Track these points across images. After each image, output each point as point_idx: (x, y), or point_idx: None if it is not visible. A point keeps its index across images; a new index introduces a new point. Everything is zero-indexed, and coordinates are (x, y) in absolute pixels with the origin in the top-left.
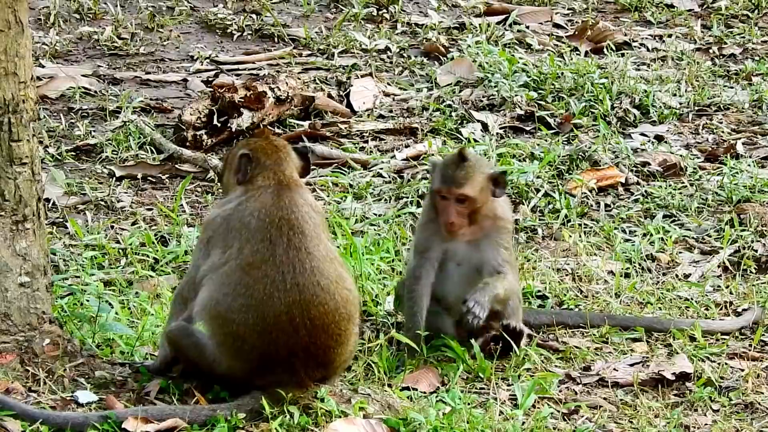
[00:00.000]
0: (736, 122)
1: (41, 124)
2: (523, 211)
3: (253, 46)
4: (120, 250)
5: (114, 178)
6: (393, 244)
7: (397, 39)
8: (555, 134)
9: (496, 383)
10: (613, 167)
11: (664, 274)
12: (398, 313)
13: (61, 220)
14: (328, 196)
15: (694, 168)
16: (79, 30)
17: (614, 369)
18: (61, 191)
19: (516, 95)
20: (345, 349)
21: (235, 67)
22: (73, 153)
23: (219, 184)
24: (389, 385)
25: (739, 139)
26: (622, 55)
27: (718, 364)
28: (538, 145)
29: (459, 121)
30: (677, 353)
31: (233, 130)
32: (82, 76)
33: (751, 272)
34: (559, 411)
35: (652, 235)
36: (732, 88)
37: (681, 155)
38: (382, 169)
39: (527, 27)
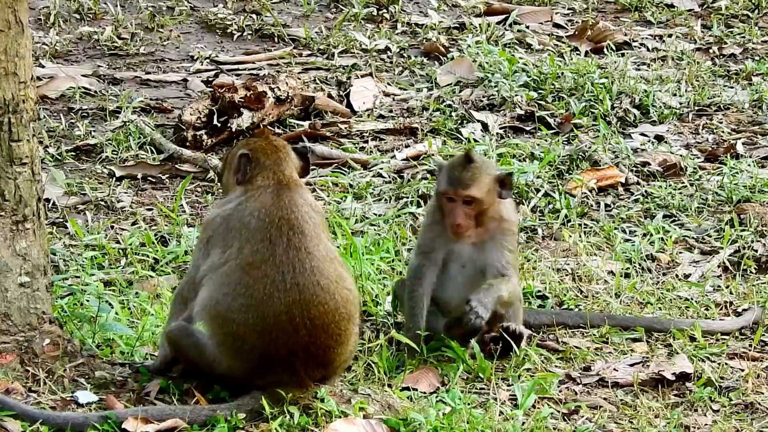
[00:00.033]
0: (736, 122)
1: (41, 124)
2: (523, 211)
3: (253, 46)
4: (120, 250)
5: (114, 178)
6: (393, 244)
7: (397, 39)
8: (555, 134)
9: (496, 383)
10: (613, 167)
11: (664, 274)
12: (397, 313)
13: (61, 220)
14: (328, 196)
15: (694, 168)
16: (79, 30)
17: (614, 369)
18: (61, 191)
19: (516, 95)
20: (345, 349)
21: (235, 67)
22: (73, 153)
23: (219, 184)
24: (389, 386)
25: (739, 139)
26: (623, 55)
27: (718, 364)
28: (538, 145)
29: (459, 121)
30: (677, 353)
31: (233, 130)
32: (82, 76)
33: (751, 272)
34: (559, 411)
35: (652, 235)
36: (732, 88)
37: (681, 155)
38: (382, 169)
39: (527, 27)
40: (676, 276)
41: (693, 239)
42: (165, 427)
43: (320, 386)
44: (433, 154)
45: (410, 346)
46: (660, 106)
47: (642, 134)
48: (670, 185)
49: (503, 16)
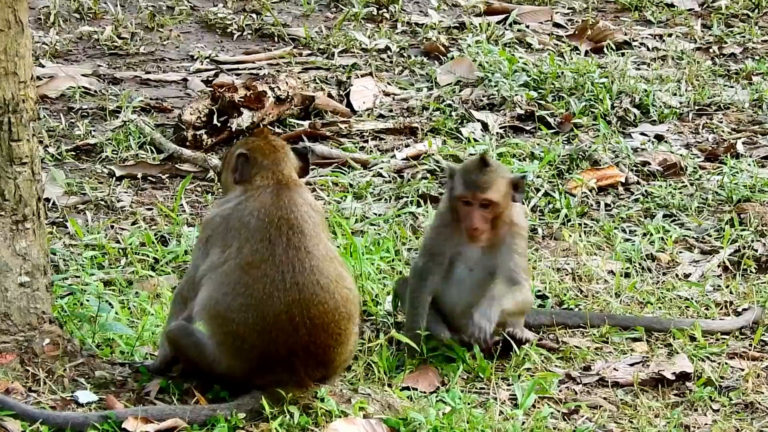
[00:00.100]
0: (737, 122)
1: (41, 124)
2: (524, 211)
3: (253, 45)
4: (120, 250)
5: (114, 178)
6: (393, 244)
7: (397, 38)
8: (555, 134)
9: (496, 383)
10: (613, 167)
11: (664, 274)
12: (397, 312)
13: (61, 219)
14: (328, 196)
15: (694, 167)
16: (79, 30)
17: (614, 369)
18: (61, 191)
19: (516, 95)
20: (345, 348)
21: (235, 66)
22: (73, 153)
23: (218, 183)
24: (389, 385)
25: (740, 138)
26: (623, 54)
27: (718, 363)
28: (538, 144)
29: (459, 121)
30: (677, 353)
31: (233, 129)
32: (82, 75)
33: (751, 272)
34: (559, 411)
35: (652, 234)
36: (732, 87)
37: (681, 155)
38: (382, 168)
39: (527, 26)
40: (676, 276)
41: (693, 239)
42: (165, 426)
43: (320, 386)
44: (432, 154)
45: (410, 346)
46: (660, 106)
47: (642, 134)
48: (670, 185)
49: (503, 16)
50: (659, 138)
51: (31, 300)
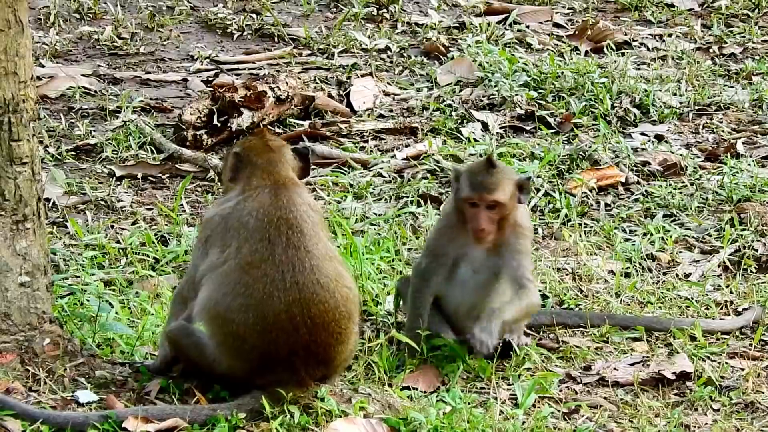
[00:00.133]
0: (737, 121)
1: (41, 124)
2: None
3: (253, 45)
4: (120, 250)
5: (114, 178)
6: (393, 244)
7: (397, 38)
8: (555, 134)
9: (497, 383)
10: (614, 167)
11: (664, 274)
12: (398, 311)
13: (62, 219)
14: (328, 196)
15: (695, 167)
16: (79, 30)
17: (614, 368)
18: (61, 191)
19: (516, 95)
20: (345, 347)
21: (235, 66)
22: (73, 153)
23: (220, 183)
24: (389, 385)
25: (740, 138)
26: (623, 54)
27: (719, 363)
28: (539, 144)
29: (459, 121)
30: (677, 353)
31: (233, 129)
32: (82, 75)
33: (751, 272)
34: (559, 410)
35: (652, 234)
36: (732, 87)
37: (681, 155)
38: (382, 168)
39: (527, 26)
40: (677, 275)
41: (693, 239)
42: (165, 426)
43: (320, 385)
44: (433, 154)
45: (411, 346)
46: (660, 106)
47: (642, 134)
48: (670, 185)
49: (503, 16)
50: (659, 138)
51: (32, 300)
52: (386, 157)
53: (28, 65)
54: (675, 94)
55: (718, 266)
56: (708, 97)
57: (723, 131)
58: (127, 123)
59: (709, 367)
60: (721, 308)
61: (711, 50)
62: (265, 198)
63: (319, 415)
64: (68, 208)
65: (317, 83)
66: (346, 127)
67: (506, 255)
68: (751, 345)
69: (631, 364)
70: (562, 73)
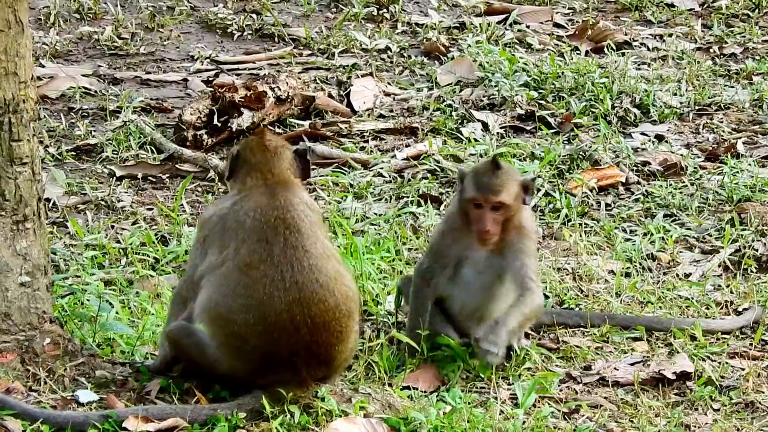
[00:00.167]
0: (737, 121)
1: (41, 124)
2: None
3: (253, 45)
4: (120, 250)
5: (114, 178)
6: (393, 244)
7: (397, 39)
8: (555, 134)
9: (497, 382)
10: (614, 167)
11: (664, 274)
12: (399, 311)
13: (62, 219)
14: (328, 196)
15: (695, 167)
16: (80, 30)
17: (615, 368)
18: (61, 191)
19: (516, 95)
20: (346, 346)
21: (236, 66)
22: (73, 153)
23: (220, 183)
24: (390, 385)
25: (740, 138)
26: (623, 54)
27: (719, 363)
28: (539, 144)
29: (459, 121)
30: (678, 352)
31: (233, 129)
32: (83, 75)
33: (751, 271)
34: (559, 410)
35: (652, 234)
36: (732, 87)
37: (681, 155)
38: (382, 168)
39: (528, 26)
40: (677, 275)
41: (693, 238)
42: (165, 426)
43: (321, 385)
44: (433, 154)
45: (411, 346)
46: (660, 106)
47: (642, 134)
48: (670, 185)
49: (503, 16)
50: (660, 138)
51: (32, 300)
52: (386, 157)
53: (28, 65)
54: (675, 94)
55: (719, 266)
56: (708, 97)
57: (723, 131)
58: (128, 123)
59: (709, 366)
60: (722, 308)
61: (711, 50)
62: (262, 198)
63: (320, 414)
64: (68, 208)
65: (317, 83)
66: (346, 127)
67: (510, 256)
68: (751, 345)
69: (632, 364)
70: (563, 73)
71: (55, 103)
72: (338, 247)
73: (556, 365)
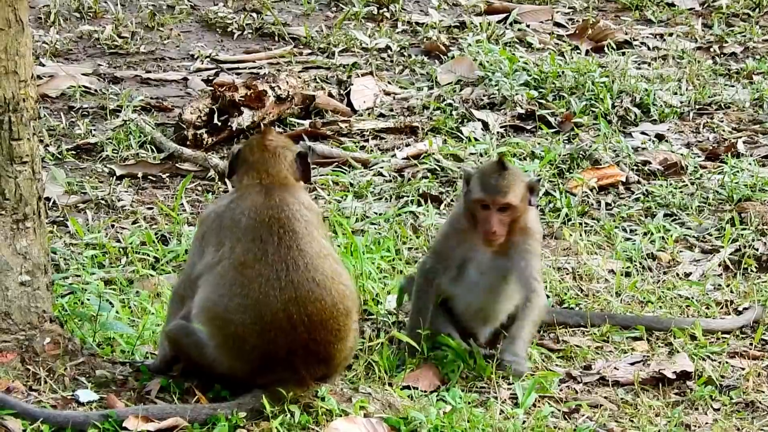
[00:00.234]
0: (737, 121)
1: (41, 123)
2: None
3: (253, 44)
4: (120, 249)
5: (114, 177)
6: (393, 243)
7: (397, 38)
8: (556, 133)
9: (497, 382)
10: (614, 166)
11: (664, 273)
12: (399, 310)
13: (62, 218)
14: (328, 195)
15: (695, 167)
16: (80, 29)
17: (615, 368)
18: (61, 190)
19: (517, 94)
20: (345, 345)
21: (236, 65)
22: (73, 152)
23: (220, 182)
24: (390, 384)
25: (740, 137)
26: (623, 53)
27: (719, 362)
28: (539, 143)
29: (460, 120)
30: (678, 352)
31: (234, 129)
32: (83, 74)
33: (751, 271)
34: (559, 410)
35: (652, 233)
36: (733, 86)
37: (682, 154)
38: (382, 167)
39: (528, 26)
40: (677, 275)
41: (694, 238)
42: (166, 425)
43: (321, 385)
44: (433, 153)
45: (411, 345)
46: (661, 105)
47: (643, 133)
48: (670, 184)
49: (504, 15)
50: (660, 137)
51: (32, 299)
52: (387, 156)
53: (28, 64)
54: (676, 94)
55: (719, 265)
56: (709, 97)
57: (724, 131)
58: (128, 122)
59: (709, 366)
60: (722, 308)
61: (712, 49)
62: (258, 197)
63: (320, 414)
64: (68, 207)
65: (317, 82)
66: (346, 127)
67: (515, 257)
68: (751, 344)
69: (632, 364)
70: (563, 72)
71: (55, 102)
72: (338, 246)
73: (557, 365)
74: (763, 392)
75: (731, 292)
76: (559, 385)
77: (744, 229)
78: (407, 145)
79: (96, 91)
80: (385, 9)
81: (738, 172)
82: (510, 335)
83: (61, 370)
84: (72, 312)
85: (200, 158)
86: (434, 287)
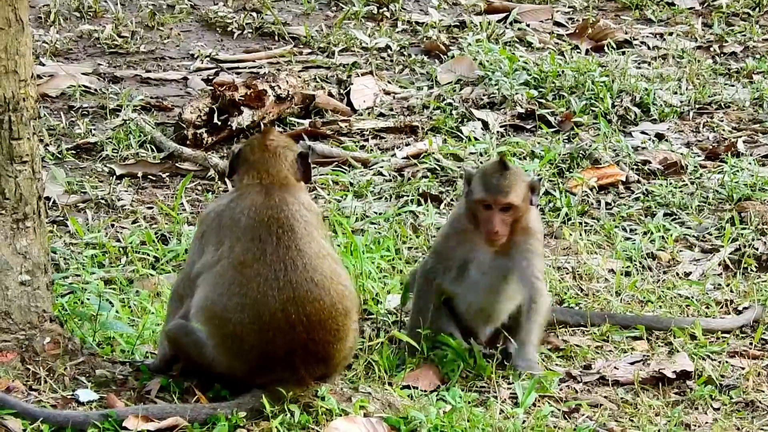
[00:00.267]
0: (737, 120)
1: (41, 123)
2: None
3: (253, 44)
4: (120, 249)
5: (114, 177)
6: (393, 243)
7: (397, 37)
8: (555, 132)
9: (497, 382)
10: (614, 165)
11: (664, 273)
12: (403, 309)
13: (62, 218)
14: (328, 195)
15: (695, 166)
16: (80, 28)
17: (615, 367)
18: (61, 189)
19: (516, 93)
20: (344, 344)
21: (236, 65)
22: (73, 151)
23: (220, 182)
24: (390, 384)
25: (740, 137)
26: (623, 53)
27: (719, 362)
28: (539, 143)
29: (459, 120)
30: (678, 351)
31: (233, 128)
32: (83, 74)
33: (751, 270)
34: (559, 409)
35: (652, 233)
36: (733, 86)
37: (682, 153)
38: (382, 167)
39: (528, 25)
40: (677, 274)
41: (694, 237)
42: (165, 425)
43: (321, 384)
44: (433, 153)
45: (411, 345)
46: (661, 105)
47: (643, 132)
48: (670, 183)
49: (504, 15)
50: (660, 137)
51: (32, 298)
52: (386, 155)
53: (28, 64)
54: (676, 93)
55: (719, 265)
56: (709, 96)
57: (723, 130)
58: (128, 121)
59: (709, 366)
60: (722, 307)
61: (712, 49)
62: (257, 197)
63: (320, 414)
64: (68, 206)
65: (317, 82)
66: (346, 126)
67: (516, 257)
68: (751, 344)
69: (632, 363)
70: (563, 71)
71: (55, 102)
72: (338, 245)
73: (556, 364)
74: (763, 392)
75: (731, 291)
76: (559, 385)
77: (744, 228)
78: (407, 144)
79: (96, 90)
80: (385, 8)
81: (738, 171)
82: (519, 341)
83: (61, 369)
84: (72, 311)
85: (200, 158)
86: (435, 287)
